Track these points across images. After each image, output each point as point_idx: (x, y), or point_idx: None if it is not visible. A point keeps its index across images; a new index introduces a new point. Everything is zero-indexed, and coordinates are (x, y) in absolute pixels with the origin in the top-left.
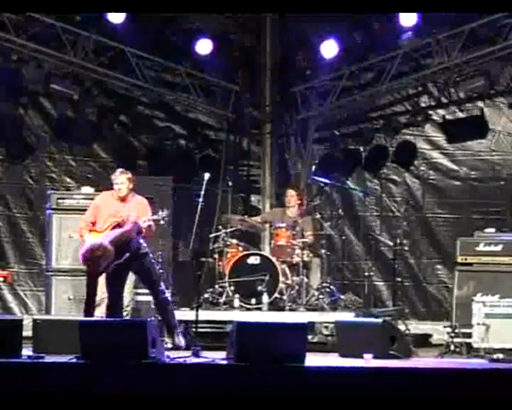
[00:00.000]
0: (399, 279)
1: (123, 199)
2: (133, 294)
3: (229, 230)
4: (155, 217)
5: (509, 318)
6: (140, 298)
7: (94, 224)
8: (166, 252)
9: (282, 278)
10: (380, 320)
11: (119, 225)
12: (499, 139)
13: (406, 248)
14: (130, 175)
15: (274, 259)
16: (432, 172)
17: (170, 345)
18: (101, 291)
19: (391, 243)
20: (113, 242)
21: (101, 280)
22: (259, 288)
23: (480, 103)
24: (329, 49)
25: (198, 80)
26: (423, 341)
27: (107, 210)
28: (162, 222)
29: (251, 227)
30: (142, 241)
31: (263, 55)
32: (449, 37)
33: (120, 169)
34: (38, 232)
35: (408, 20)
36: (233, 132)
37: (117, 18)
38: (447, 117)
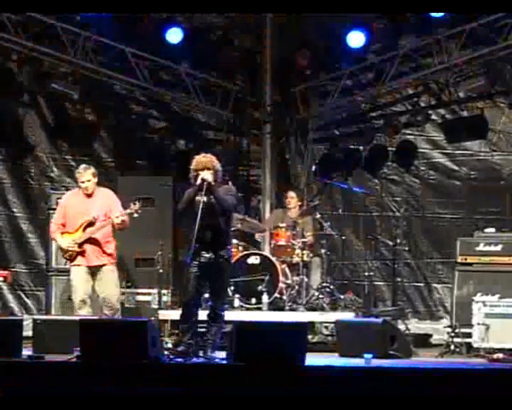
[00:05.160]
0: (399, 279)
1: (89, 195)
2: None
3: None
4: (128, 211)
5: (509, 318)
6: (140, 298)
7: (64, 225)
8: (166, 252)
9: (282, 278)
10: (380, 320)
11: (91, 224)
12: (499, 139)
13: (406, 248)
14: (94, 170)
15: (274, 259)
16: (432, 172)
17: (170, 345)
18: (87, 289)
19: (391, 243)
20: None
21: (83, 279)
22: (259, 288)
23: (480, 103)
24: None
25: (198, 80)
26: (423, 341)
27: (75, 209)
28: (136, 215)
29: (251, 227)
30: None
31: (263, 55)
32: (449, 37)
33: (84, 165)
34: (38, 232)
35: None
36: (233, 132)
37: None
38: (447, 117)
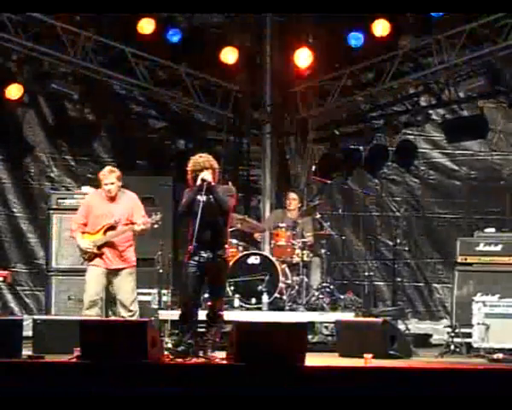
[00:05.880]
0: (399, 279)
1: (113, 198)
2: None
3: (229, 229)
4: (150, 220)
5: (509, 318)
6: (140, 298)
7: (85, 225)
8: (166, 252)
9: (282, 278)
10: (380, 320)
11: (112, 228)
12: (499, 139)
13: (406, 248)
14: (119, 173)
15: (274, 259)
16: (432, 172)
17: (170, 345)
18: (100, 291)
19: (391, 243)
20: None
21: (97, 280)
22: (259, 288)
23: (480, 103)
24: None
25: (198, 80)
26: (423, 341)
27: (98, 211)
28: (156, 226)
29: (251, 227)
30: None
31: (263, 55)
32: (449, 37)
33: (109, 167)
34: (38, 232)
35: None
36: (233, 132)
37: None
38: (447, 117)
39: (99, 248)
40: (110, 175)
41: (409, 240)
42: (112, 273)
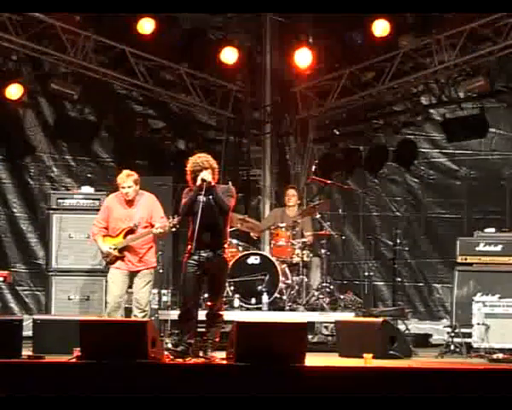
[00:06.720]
0: (399, 279)
1: (131, 201)
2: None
3: (229, 229)
4: (167, 224)
5: (509, 318)
6: None
7: (107, 228)
8: (167, 252)
9: (281, 278)
10: (380, 320)
11: (131, 231)
12: (499, 139)
13: (406, 248)
14: (136, 176)
15: (274, 259)
16: (432, 172)
17: (170, 345)
18: (123, 293)
19: (391, 243)
20: None
21: (120, 282)
22: (259, 288)
23: (480, 103)
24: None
25: (198, 80)
26: (423, 341)
27: (117, 214)
28: (174, 229)
29: (251, 227)
30: None
31: (263, 55)
32: (449, 37)
33: (126, 171)
34: (38, 232)
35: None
36: (233, 132)
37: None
38: (447, 116)
39: (120, 251)
40: (127, 179)
41: (409, 240)
42: (133, 275)
